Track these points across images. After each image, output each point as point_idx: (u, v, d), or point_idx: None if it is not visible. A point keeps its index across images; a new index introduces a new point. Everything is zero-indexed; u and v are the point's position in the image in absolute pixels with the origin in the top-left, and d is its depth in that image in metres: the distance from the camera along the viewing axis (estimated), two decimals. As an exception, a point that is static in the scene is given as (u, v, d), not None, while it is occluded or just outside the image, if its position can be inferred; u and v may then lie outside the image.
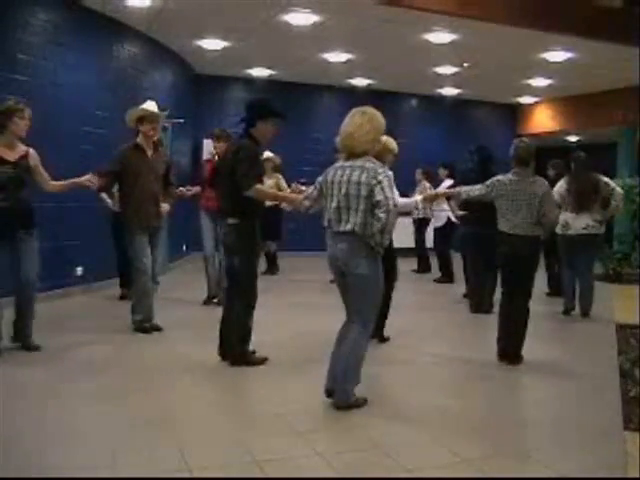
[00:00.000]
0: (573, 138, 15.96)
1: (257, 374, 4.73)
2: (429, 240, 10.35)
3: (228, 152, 4.88)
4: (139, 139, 5.77)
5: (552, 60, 10.05)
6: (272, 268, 9.96)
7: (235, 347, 4.80)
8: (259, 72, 12.11)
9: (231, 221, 4.72)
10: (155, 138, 5.92)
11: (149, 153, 5.79)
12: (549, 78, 11.72)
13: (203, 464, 3.12)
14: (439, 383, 4.76)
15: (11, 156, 4.91)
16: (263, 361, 4.85)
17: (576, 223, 6.97)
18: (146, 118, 5.75)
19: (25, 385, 4.30)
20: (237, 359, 4.78)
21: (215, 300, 7.10)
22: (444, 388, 4.62)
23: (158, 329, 5.83)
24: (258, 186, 4.65)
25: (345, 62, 10.81)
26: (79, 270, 7.68)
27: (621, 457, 3.30)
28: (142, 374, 4.64)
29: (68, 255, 7.45)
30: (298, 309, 7.25)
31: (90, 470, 3.03)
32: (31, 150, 5.06)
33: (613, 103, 12.08)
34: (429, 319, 7.05)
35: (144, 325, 5.77)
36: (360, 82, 12.68)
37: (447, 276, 9.60)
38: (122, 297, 7.37)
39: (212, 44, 9.81)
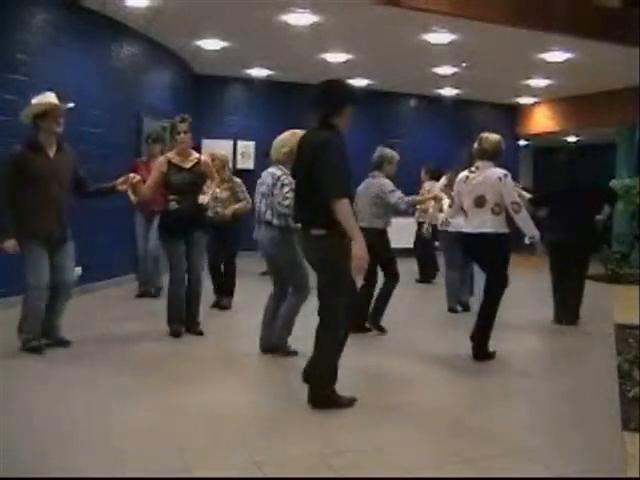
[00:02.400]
0: (573, 138, 15.96)
1: (255, 375, 4.73)
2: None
3: (303, 145, 4.04)
4: (40, 137, 4.98)
5: (551, 60, 10.04)
6: None
7: (319, 386, 3.94)
8: (258, 72, 12.10)
9: (315, 232, 3.85)
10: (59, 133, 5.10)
11: (51, 153, 5.02)
12: (548, 78, 11.71)
13: (202, 464, 3.12)
14: (439, 382, 4.76)
15: (186, 164, 5.58)
16: (352, 402, 3.98)
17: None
18: (49, 112, 4.94)
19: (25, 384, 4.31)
20: (323, 401, 3.91)
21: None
22: (444, 388, 4.62)
23: (64, 343, 5.20)
24: (345, 203, 3.71)
25: (344, 62, 10.79)
26: (78, 270, 7.66)
27: (621, 457, 3.30)
28: (140, 375, 4.64)
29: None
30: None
31: (90, 470, 3.03)
32: (203, 157, 5.80)
33: (613, 103, 12.07)
34: (422, 317, 7.05)
35: (34, 344, 4.99)
36: (359, 82, 12.66)
37: (427, 275, 9.60)
38: (220, 306, 7.14)
39: (211, 44, 9.80)
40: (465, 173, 5.39)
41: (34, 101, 5.02)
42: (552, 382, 4.84)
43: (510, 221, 5.23)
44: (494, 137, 5.38)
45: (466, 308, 7.23)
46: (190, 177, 5.55)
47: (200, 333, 5.74)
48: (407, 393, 4.41)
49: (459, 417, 3.93)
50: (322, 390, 3.93)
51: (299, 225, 4.13)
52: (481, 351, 5.18)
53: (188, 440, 3.41)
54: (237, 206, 6.95)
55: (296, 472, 3.07)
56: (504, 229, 5.18)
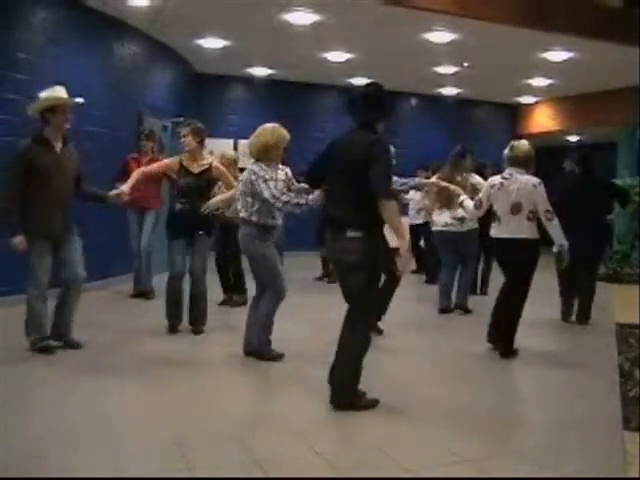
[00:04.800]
0: (573, 138, 15.96)
1: (255, 374, 4.73)
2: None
3: (345, 146, 3.95)
4: (46, 131, 4.90)
5: (552, 60, 10.04)
6: (327, 271, 9.30)
7: (344, 387, 3.92)
8: (259, 71, 12.11)
9: (351, 234, 3.77)
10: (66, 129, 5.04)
11: (57, 148, 4.95)
12: (549, 78, 11.71)
13: (203, 464, 3.12)
14: (438, 383, 4.76)
15: (195, 169, 5.67)
16: (374, 404, 3.97)
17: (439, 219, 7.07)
18: (59, 107, 4.85)
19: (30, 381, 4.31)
20: (346, 402, 3.90)
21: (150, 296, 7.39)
22: (443, 388, 4.61)
23: (75, 345, 5.14)
24: (394, 203, 3.82)
25: (345, 62, 10.81)
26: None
27: (621, 457, 3.31)
28: (140, 375, 4.65)
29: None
30: (308, 309, 7.21)
31: (90, 470, 3.04)
32: (215, 163, 5.86)
33: (613, 103, 12.07)
34: (422, 317, 7.05)
35: (42, 344, 4.95)
36: (360, 82, 12.64)
37: (431, 275, 9.53)
38: (230, 303, 7.16)
39: (212, 43, 9.81)
40: (498, 179, 5.37)
41: (43, 95, 4.91)
42: (552, 382, 4.83)
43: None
44: (525, 145, 5.40)
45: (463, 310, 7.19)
46: (195, 182, 5.63)
47: (199, 332, 5.77)
48: (407, 393, 4.41)
49: (459, 417, 3.93)
50: (350, 390, 3.90)
51: (329, 228, 3.94)
52: (509, 350, 5.26)
53: (188, 439, 3.41)
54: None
55: (296, 471, 3.07)
56: (537, 235, 5.25)
